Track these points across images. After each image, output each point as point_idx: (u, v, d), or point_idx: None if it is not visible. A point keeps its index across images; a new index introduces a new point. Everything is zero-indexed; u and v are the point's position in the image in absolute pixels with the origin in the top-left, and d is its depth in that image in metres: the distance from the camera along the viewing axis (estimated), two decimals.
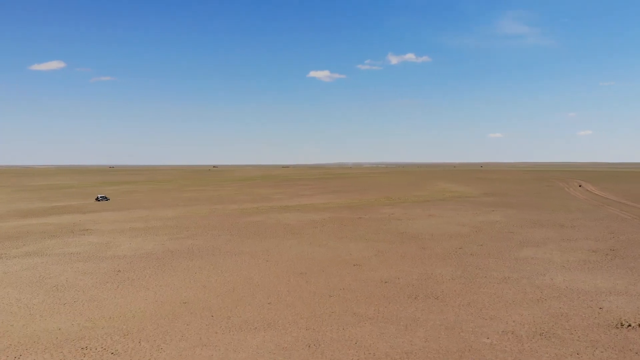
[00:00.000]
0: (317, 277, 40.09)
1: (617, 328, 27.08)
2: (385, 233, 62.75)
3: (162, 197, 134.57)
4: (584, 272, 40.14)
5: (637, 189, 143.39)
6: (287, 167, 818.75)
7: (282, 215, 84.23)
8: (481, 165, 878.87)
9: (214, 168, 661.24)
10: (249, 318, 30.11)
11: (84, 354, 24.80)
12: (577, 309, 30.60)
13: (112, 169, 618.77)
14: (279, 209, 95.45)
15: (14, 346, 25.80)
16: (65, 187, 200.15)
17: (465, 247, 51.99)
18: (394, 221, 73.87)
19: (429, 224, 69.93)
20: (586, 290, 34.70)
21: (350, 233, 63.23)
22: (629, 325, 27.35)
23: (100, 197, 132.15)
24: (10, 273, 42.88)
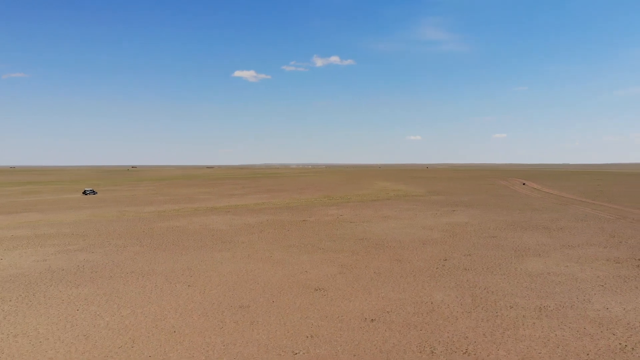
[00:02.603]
0: (266, 314, 26.50)
1: None
2: (342, 240, 49.96)
3: (66, 199, 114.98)
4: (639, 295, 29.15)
5: (582, 186, 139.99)
6: (211, 167, 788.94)
7: (210, 218, 69.42)
8: (427, 166, 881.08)
9: (133, 168, 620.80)
10: None
11: None
12: None
13: (13, 169, 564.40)
14: (205, 210, 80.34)
15: None
16: None
17: (452, 258, 40.18)
18: (346, 224, 61.28)
19: (390, 228, 57.93)
20: None
21: (298, 240, 49.88)
22: None
23: (88, 190, 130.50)
24: None
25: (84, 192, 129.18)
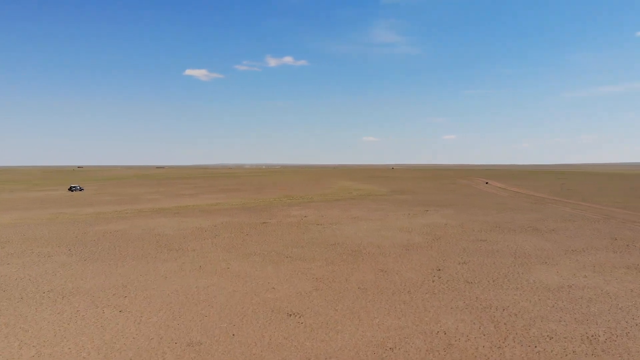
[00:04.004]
0: (225, 356, 19.07)
1: None
2: (312, 246, 42.78)
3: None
4: None
5: (548, 185, 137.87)
6: (162, 167, 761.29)
7: (155, 221, 60.80)
8: (392, 166, 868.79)
9: (79, 168, 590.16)
10: None
11: None
12: None
13: None
14: (150, 212, 71.43)
15: None
16: None
17: (446, 268, 33.68)
18: (313, 227, 54.14)
19: (363, 230, 51.20)
20: None
21: (259, 247, 42.35)
22: None
23: (74, 187, 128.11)
24: None
25: (70, 189, 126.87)
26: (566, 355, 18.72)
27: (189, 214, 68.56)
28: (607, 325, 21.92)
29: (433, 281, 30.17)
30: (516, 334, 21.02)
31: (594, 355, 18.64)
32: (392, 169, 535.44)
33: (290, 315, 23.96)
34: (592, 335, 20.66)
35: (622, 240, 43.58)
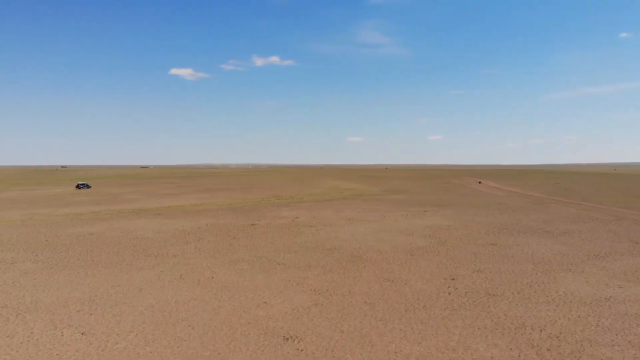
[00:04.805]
0: None
1: None
2: (306, 251, 38.68)
3: None
4: None
5: (543, 185, 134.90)
6: (146, 167, 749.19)
7: (134, 222, 56.24)
8: (386, 167, 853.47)
9: (63, 168, 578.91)
10: None
11: None
12: None
13: None
14: (130, 213, 66.76)
15: None
16: None
17: (460, 277, 29.82)
18: (305, 229, 50.06)
19: (360, 233, 47.24)
20: None
21: (248, 252, 38.15)
22: None
23: (81, 184, 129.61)
24: None
25: (77, 186, 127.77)
26: None
27: (172, 215, 64.05)
28: None
29: (449, 293, 26.26)
30: None
31: None
32: (385, 168, 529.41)
33: (287, 339, 19.88)
34: None
35: None
